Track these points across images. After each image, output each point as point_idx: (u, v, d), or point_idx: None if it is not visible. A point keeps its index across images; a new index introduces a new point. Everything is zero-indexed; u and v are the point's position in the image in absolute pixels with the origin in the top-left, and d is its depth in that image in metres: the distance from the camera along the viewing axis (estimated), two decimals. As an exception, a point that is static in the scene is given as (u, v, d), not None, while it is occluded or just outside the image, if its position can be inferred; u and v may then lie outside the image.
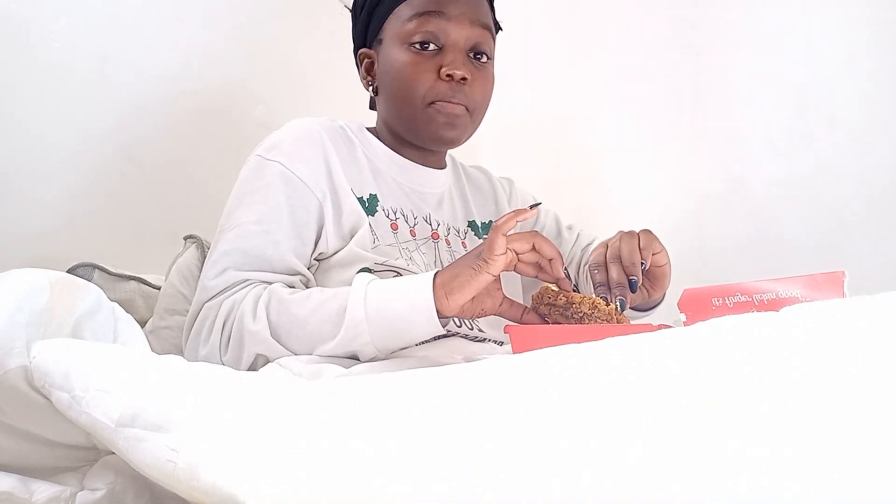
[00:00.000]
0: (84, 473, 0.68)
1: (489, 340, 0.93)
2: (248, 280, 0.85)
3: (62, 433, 0.67)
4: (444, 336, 0.91)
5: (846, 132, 1.50)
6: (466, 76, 0.91)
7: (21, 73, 1.13)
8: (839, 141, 1.50)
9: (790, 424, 0.32)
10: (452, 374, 0.46)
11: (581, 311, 0.76)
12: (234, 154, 1.31)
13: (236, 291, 0.84)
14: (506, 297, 0.82)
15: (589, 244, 1.15)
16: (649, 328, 0.65)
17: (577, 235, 1.17)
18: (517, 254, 0.77)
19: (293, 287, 0.87)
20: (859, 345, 0.34)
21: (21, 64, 1.13)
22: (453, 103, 0.92)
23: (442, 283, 0.76)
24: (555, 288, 0.79)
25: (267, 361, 0.82)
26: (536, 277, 0.80)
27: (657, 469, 0.33)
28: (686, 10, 1.72)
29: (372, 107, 1.07)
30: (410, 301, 0.76)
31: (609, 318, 0.75)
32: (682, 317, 0.67)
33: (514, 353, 0.73)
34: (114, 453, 0.65)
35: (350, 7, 1.05)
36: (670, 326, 0.66)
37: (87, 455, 0.69)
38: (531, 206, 0.78)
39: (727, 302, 0.65)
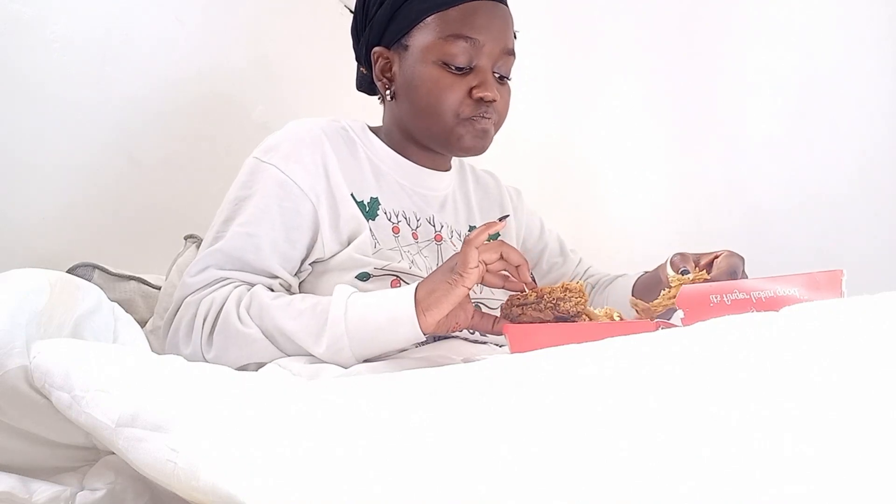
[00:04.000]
0: (84, 473, 0.68)
1: (489, 343, 0.93)
2: (227, 278, 0.86)
3: (62, 433, 0.66)
4: (445, 338, 0.91)
5: (846, 132, 1.50)
6: (496, 98, 0.93)
7: (21, 73, 1.13)
8: (839, 141, 1.51)
9: (790, 425, 0.32)
10: (451, 375, 0.46)
11: (554, 297, 0.76)
12: (234, 154, 1.32)
13: (216, 289, 0.85)
14: (476, 309, 0.83)
15: (588, 269, 1.18)
16: (648, 327, 0.65)
17: (580, 259, 1.19)
18: (486, 265, 0.78)
19: (272, 290, 0.87)
20: (860, 345, 0.34)
21: (21, 64, 1.13)
22: (485, 118, 0.94)
23: (419, 300, 0.77)
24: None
25: (257, 366, 0.82)
26: (503, 287, 0.82)
27: (657, 470, 0.33)
28: (686, 12, 1.72)
29: (360, 88, 1.08)
30: (391, 316, 0.78)
31: (580, 296, 0.75)
32: (680, 313, 0.67)
33: (511, 352, 0.73)
34: (114, 453, 0.65)
35: (350, 7, 1.05)
36: (670, 324, 0.66)
37: (87, 455, 0.69)
38: (500, 219, 0.79)
39: (725, 299, 0.65)
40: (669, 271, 0.88)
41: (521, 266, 0.79)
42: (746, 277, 0.83)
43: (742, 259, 0.84)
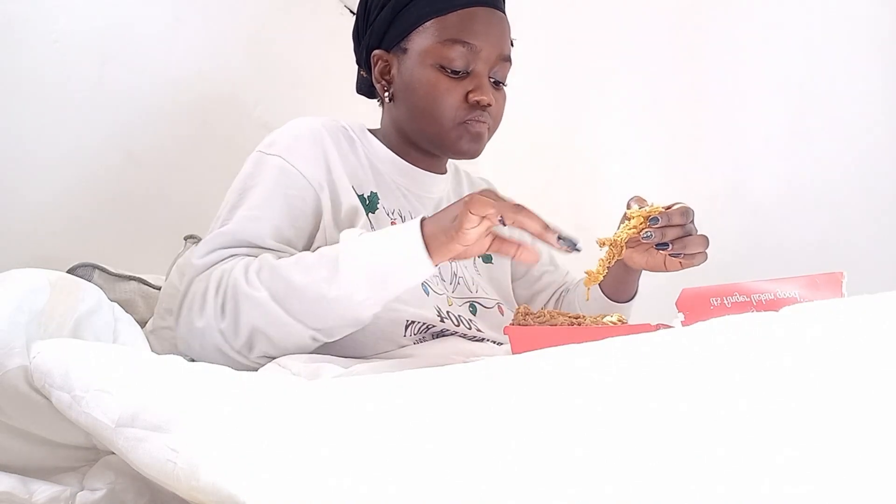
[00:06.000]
0: (84, 473, 0.68)
1: (488, 340, 0.93)
2: (234, 255, 0.85)
3: (62, 433, 0.67)
4: (443, 335, 0.91)
5: (846, 132, 1.50)
6: (491, 103, 0.94)
7: (21, 73, 1.13)
8: (839, 141, 1.50)
9: (791, 425, 0.32)
10: (450, 376, 0.46)
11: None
12: (234, 154, 1.32)
13: (223, 264, 0.83)
14: (497, 236, 0.78)
15: (574, 279, 1.18)
16: (648, 328, 0.65)
17: (567, 271, 1.19)
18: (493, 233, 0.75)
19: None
20: (860, 345, 0.34)
21: (21, 64, 1.13)
22: (480, 122, 0.94)
23: (426, 235, 0.75)
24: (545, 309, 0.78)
25: (266, 339, 0.80)
26: (513, 258, 0.78)
27: (657, 470, 0.33)
28: (686, 11, 1.72)
29: (360, 91, 1.08)
30: (402, 254, 0.76)
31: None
32: (681, 316, 0.67)
33: (513, 353, 0.73)
34: (114, 453, 0.65)
35: (351, 8, 1.05)
36: (670, 326, 0.66)
37: (87, 455, 0.69)
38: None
39: (725, 302, 0.65)
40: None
41: (544, 234, 0.72)
42: (695, 227, 0.84)
43: (693, 211, 0.84)
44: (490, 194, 0.75)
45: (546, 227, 0.73)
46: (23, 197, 1.14)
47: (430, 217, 0.78)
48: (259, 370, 0.81)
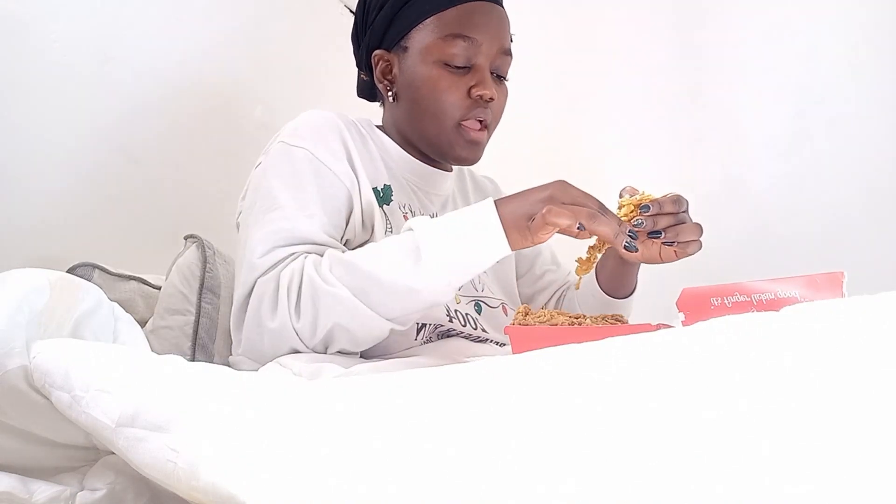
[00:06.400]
0: (84, 473, 0.68)
1: (490, 341, 0.93)
2: (294, 253, 0.84)
3: (62, 433, 0.67)
4: (449, 336, 0.91)
5: (846, 132, 1.50)
6: (494, 97, 0.94)
7: (21, 73, 1.13)
8: (839, 141, 1.51)
9: (790, 425, 0.32)
10: (450, 376, 0.46)
11: None
12: (234, 154, 1.32)
13: (288, 263, 0.82)
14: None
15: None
16: (648, 328, 0.65)
17: (569, 271, 1.19)
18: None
19: None
20: (860, 345, 0.34)
21: (21, 64, 1.13)
22: (478, 129, 0.94)
23: (504, 224, 0.76)
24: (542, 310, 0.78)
25: (346, 334, 0.80)
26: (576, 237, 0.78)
27: (657, 470, 0.33)
28: (686, 10, 1.72)
29: (360, 94, 1.08)
30: (483, 240, 0.77)
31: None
32: (681, 316, 0.67)
33: (513, 353, 0.73)
34: (114, 453, 0.65)
35: (351, 8, 1.05)
36: (670, 326, 0.66)
37: (87, 455, 0.69)
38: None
39: (726, 302, 0.65)
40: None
41: (616, 241, 0.74)
42: (689, 216, 0.83)
43: (687, 201, 0.83)
44: (568, 193, 0.76)
45: (618, 231, 0.75)
46: (23, 196, 1.14)
47: (502, 202, 0.78)
48: (259, 370, 0.81)
